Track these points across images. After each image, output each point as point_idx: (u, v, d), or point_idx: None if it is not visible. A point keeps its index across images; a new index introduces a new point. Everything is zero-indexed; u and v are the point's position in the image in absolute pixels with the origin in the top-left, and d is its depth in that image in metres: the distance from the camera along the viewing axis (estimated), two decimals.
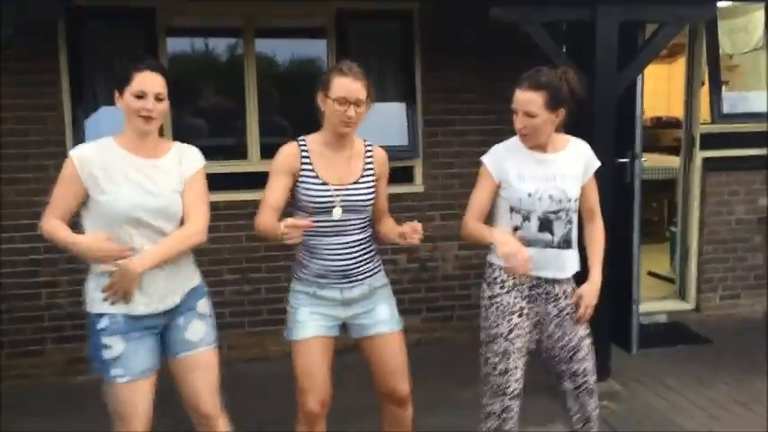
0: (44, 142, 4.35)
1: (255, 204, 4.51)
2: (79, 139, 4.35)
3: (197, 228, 2.56)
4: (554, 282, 2.79)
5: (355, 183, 2.71)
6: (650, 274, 6.03)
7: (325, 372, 2.75)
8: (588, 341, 2.86)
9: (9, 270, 4.36)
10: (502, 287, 2.78)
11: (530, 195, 2.69)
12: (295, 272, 2.81)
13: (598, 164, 2.85)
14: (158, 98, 2.45)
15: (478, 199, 2.80)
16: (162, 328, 2.60)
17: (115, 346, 2.50)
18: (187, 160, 2.60)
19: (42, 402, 4.12)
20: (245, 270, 4.69)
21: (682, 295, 5.57)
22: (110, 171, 2.46)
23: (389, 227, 2.82)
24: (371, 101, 2.69)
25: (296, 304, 2.77)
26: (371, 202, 2.76)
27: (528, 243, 2.69)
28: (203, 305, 2.67)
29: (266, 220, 2.64)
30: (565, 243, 2.74)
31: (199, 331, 2.63)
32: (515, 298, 2.78)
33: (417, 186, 4.88)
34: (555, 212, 2.71)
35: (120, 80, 2.46)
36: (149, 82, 2.43)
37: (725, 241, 5.44)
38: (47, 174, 4.33)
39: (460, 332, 5.00)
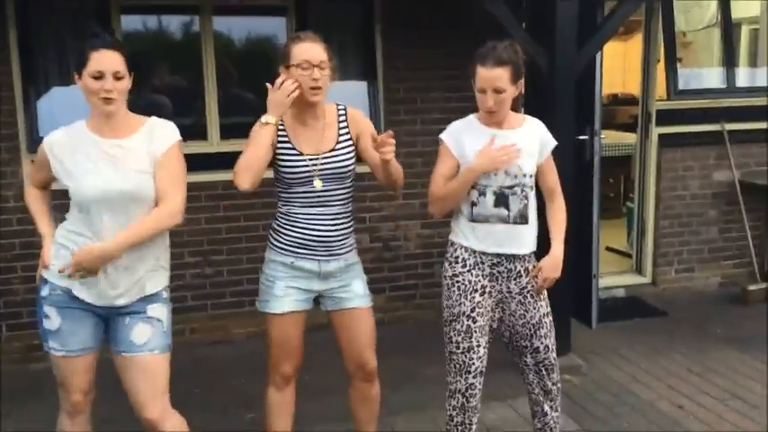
0: None
1: (216, 185, 4.53)
2: (31, 119, 4.23)
3: (171, 209, 2.46)
4: (513, 258, 2.81)
5: (332, 150, 2.69)
6: (608, 249, 6.13)
7: (298, 341, 2.80)
8: (549, 318, 2.91)
9: None
10: (464, 266, 2.80)
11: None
12: (271, 240, 2.78)
13: (554, 143, 2.87)
14: (117, 77, 2.36)
15: (441, 173, 2.80)
16: (105, 315, 2.53)
17: (53, 318, 2.49)
18: (158, 137, 2.48)
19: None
20: (207, 252, 4.63)
21: (638, 269, 5.68)
22: (77, 156, 2.41)
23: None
24: (334, 69, 2.66)
25: (272, 276, 2.75)
26: (352, 166, 2.74)
27: (484, 219, 2.74)
28: (156, 310, 2.54)
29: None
30: (521, 218, 2.76)
31: (143, 335, 2.50)
32: (477, 276, 2.79)
33: None
34: (510, 188, 2.73)
35: (77, 61, 2.37)
36: (106, 61, 2.35)
37: (680, 216, 5.55)
38: None
39: (424, 310, 5.04)
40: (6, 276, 4.32)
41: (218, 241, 4.63)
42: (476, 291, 2.79)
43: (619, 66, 9.05)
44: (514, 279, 2.83)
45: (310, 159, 2.66)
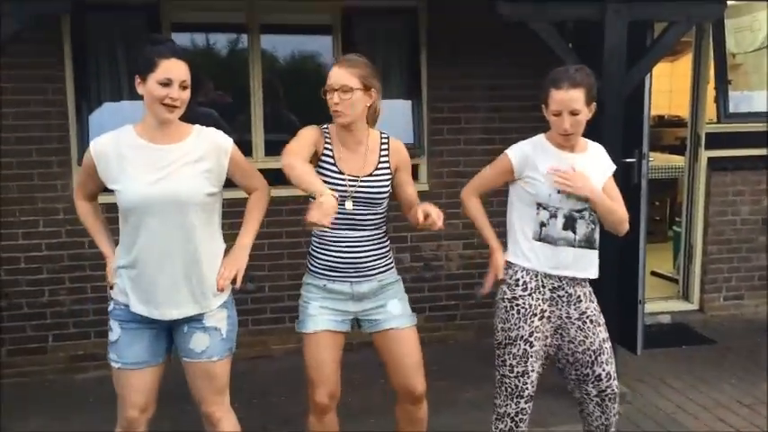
0: (47, 137, 4.32)
1: None
2: (83, 133, 4.33)
3: (263, 189, 2.63)
4: (575, 282, 2.77)
5: (369, 175, 2.69)
6: (653, 273, 6.01)
7: (333, 364, 2.75)
8: (609, 344, 2.85)
9: (11, 267, 4.33)
10: (524, 289, 2.77)
11: (559, 192, 2.69)
12: (307, 264, 2.81)
13: (614, 167, 2.87)
14: (183, 86, 2.38)
15: (488, 178, 2.88)
16: (166, 326, 2.56)
17: (114, 330, 2.55)
18: (211, 142, 2.50)
19: (44, 400, 4.09)
20: (249, 268, 4.59)
21: (685, 296, 5.55)
22: (123, 162, 2.43)
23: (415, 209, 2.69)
24: (373, 90, 2.64)
25: (307, 297, 2.77)
26: (386, 194, 2.74)
27: (552, 241, 2.73)
28: (212, 318, 2.56)
29: (303, 165, 2.49)
30: (587, 242, 2.74)
31: (201, 343, 2.55)
32: (537, 300, 2.76)
33: (422, 185, 4.85)
34: (579, 211, 2.72)
35: (143, 65, 2.36)
36: (175, 69, 2.36)
37: (729, 242, 5.42)
38: (50, 169, 4.32)
39: (464, 331, 4.99)
40: (54, 287, 4.41)
41: (261, 257, 4.65)
42: (535, 315, 2.76)
43: (666, 87, 8.91)
44: (574, 304, 2.79)
45: (349, 180, 2.66)
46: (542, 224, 2.73)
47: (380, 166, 2.72)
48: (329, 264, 2.71)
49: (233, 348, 2.65)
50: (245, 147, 4.55)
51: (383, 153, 2.74)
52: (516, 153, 2.78)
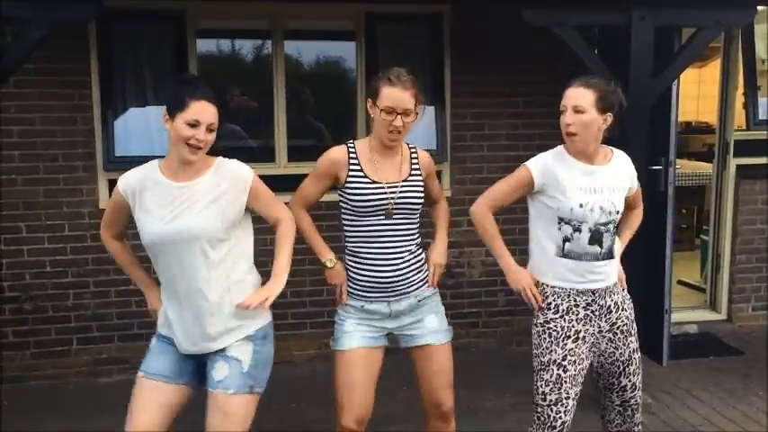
0: (73, 143, 4.36)
1: None
2: (108, 138, 4.36)
3: (287, 220, 2.59)
4: (605, 292, 2.70)
5: (405, 180, 2.69)
6: (680, 282, 5.91)
7: (366, 385, 2.70)
8: (638, 355, 2.80)
9: (36, 270, 4.38)
10: (556, 311, 2.67)
11: (581, 206, 2.61)
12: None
13: (635, 175, 2.83)
14: (210, 129, 2.38)
15: (504, 191, 2.75)
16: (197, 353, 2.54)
17: (152, 341, 2.60)
18: (233, 177, 2.48)
19: (67, 403, 4.12)
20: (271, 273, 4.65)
21: (713, 305, 5.45)
22: (143, 199, 2.44)
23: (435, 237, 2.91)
24: (421, 108, 2.67)
25: (344, 316, 2.76)
26: (421, 200, 2.73)
27: (577, 256, 2.64)
28: (236, 349, 2.49)
29: (308, 221, 2.81)
30: (609, 254, 2.69)
31: (221, 372, 2.47)
32: (570, 322, 2.66)
33: (445, 191, 4.82)
34: (605, 224, 2.64)
35: (173, 103, 2.37)
36: (205, 112, 2.36)
37: (758, 251, 5.32)
38: (75, 174, 4.36)
39: (486, 339, 4.95)
40: (78, 291, 4.45)
41: None
42: (568, 337, 2.65)
43: (693, 93, 8.80)
44: (605, 316, 2.71)
45: (389, 187, 2.65)
46: (566, 239, 2.65)
47: (413, 172, 2.73)
48: (367, 285, 2.69)
49: (255, 389, 2.51)
50: (268, 152, 4.65)
51: (413, 161, 2.76)
52: (536, 165, 2.69)
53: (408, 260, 2.71)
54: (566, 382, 2.62)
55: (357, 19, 4.65)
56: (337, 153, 2.69)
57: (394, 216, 2.65)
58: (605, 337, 2.73)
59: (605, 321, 2.72)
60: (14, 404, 3.99)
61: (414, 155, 2.77)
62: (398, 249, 2.68)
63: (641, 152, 3.81)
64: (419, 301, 2.74)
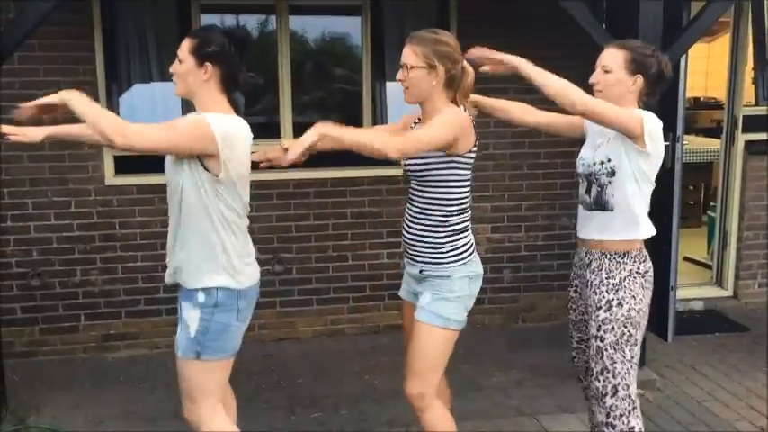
0: (78, 119, 4.34)
1: (287, 184, 4.57)
2: None
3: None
4: (591, 245, 2.71)
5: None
6: (686, 259, 5.90)
7: (408, 336, 2.74)
8: (601, 342, 2.63)
9: (43, 247, 4.40)
10: (574, 262, 2.89)
11: (581, 158, 2.77)
12: None
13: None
14: (179, 60, 2.51)
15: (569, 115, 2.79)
16: None
17: None
18: None
19: (75, 378, 4.16)
20: (277, 250, 4.67)
21: (719, 282, 5.45)
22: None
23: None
24: (440, 68, 2.57)
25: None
26: (430, 172, 2.60)
27: (581, 204, 2.79)
28: (186, 311, 2.44)
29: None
30: (596, 205, 2.68)
31: (178, 332, 2.49)
32: (573, 272, 2.89)
33: None
34: (594, 174, 2.68)
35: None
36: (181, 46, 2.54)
37: (765, 227, 5.30)
38: (81, 150, 4.35)
39: (492, 315, 4.96)
40: (85, 267, 4.47)
41: (288, 239, 4.66)
42: (571, 286, 2.90)
43: (701, 68, 8.72)
44: (587, 268, 2.75)
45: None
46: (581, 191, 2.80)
47: None
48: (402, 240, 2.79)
49: (203, 356, 2.42)
50: (273, 128, 4.63)
51: None
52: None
53: (421, 229, 2.63)
54: (570, 327, 2.95)
55: None
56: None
57: (411, 182, 2.67)
58: (588, 289, 2.76)
59: (589, 273, 2.74)
60: (24, 379, 4.03)
61: None
62: (415, 215, 2.66)
63: None
64: (422, 273, 2.66)
